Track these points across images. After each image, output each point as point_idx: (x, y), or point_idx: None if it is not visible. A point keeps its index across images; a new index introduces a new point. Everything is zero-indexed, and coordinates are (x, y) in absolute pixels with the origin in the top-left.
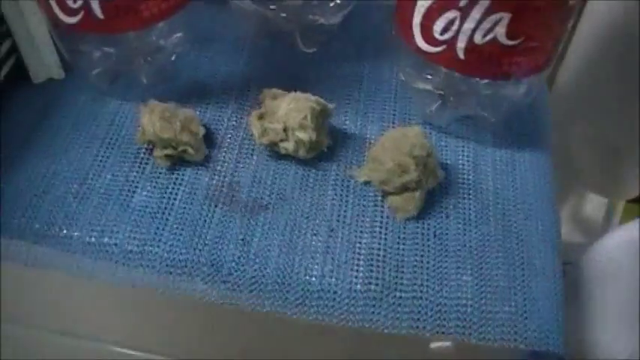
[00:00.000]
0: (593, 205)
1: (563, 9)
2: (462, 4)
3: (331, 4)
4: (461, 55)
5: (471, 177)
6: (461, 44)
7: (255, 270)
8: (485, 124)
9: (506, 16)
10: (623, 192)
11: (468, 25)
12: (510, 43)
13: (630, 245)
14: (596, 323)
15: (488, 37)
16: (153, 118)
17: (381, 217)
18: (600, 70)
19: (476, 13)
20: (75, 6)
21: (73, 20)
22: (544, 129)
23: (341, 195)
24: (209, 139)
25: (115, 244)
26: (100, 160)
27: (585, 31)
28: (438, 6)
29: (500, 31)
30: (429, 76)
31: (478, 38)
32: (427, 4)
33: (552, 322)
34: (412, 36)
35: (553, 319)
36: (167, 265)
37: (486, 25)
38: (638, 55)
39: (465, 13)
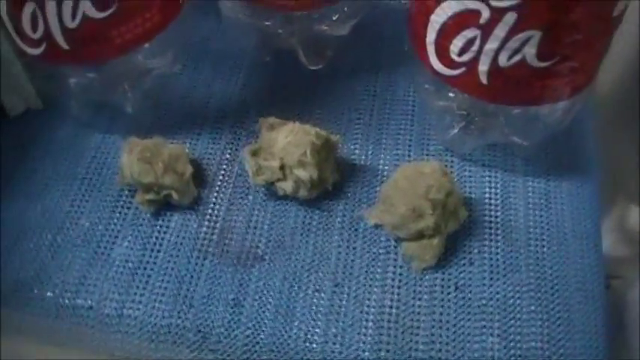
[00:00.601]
0: (639, 216)
1: (605, 22)
2: (482, 20)
3: (335, 17)
4: (483, 80)
5: (499, 214)
6: (483, 67)
7: (248, 336)
8: (516, 150)
9: (536, 34)
10: None
11: (491, 45)
12: (542, 64)
13: None
14: None
15: (515, 59)
16: (131, 160)
17: (394, 267)
18: None
19: (500, 32)
20: (35, 37)
21: (36, 52)
22: (585, 152)
23: (348, 241)
24: (199, 176)
25: (91, 307)
26: (79, 205)
27: (628, 29)
28: (455, 23)
29: (530, 52)
30: (451, 94)
31: (503, 60)
32: (442, 19)
33: None
34: (427, 55)
35: None
36: (148, 332)
37: (513, 44)
38: None
39: (486, 32)
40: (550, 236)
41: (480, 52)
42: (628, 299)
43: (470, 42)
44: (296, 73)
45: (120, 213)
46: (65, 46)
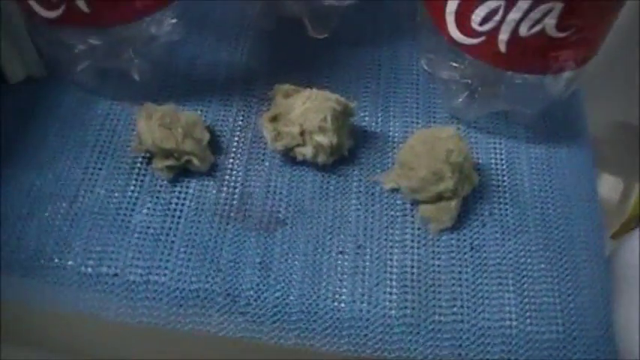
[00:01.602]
0: (609, 185)
1: None
2: None
3: None
4: (502, 49)
5: (505, 178)
6: (503, 36)
7: (277, 298)
8: (518, 118)
9: (558, 5)
10: None
11: (514, 15)
12: (560, 35)
13: None
14: (631, 321)
15: (535, 29)
16: (151, 125)
17: (412, 228)
18: (625, 50)
19: (523, 3)
20: None
21: (53, 14)
22: (580, 120)
23: (366, 205)
24: (214, 143)
25: (116, 275)
26: (92, 173)
27: None
28: None
29: (550, 23)
30: (455, 64)
31: (524, 30)
32: None
33: (602, 342)
34: (445, 25)
35: (603, 337)
36: (176, 297)
37: (535, 15)
38: None
39: (510, 2)
40: (554, 199)
41: (502, 21)
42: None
43: (493, 12)
44: (301, 42)
45: (136, 180)
46: (85, 9)
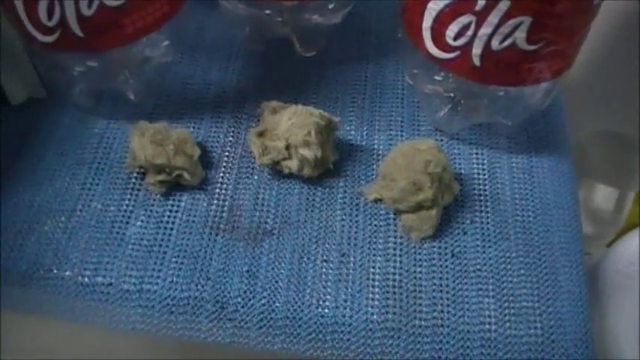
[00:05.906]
0: (604, 195)
1: (586, 11)
2: (477, 8)
3: (331, 5)
4: (476, 62)
5: (487, 187)
6: (476, 50)
7: (264, 305)
8: (500, 129)
9: (526, 20)
10: (634, 183)
11: (485, 30)
12: (530, 48)
13: None
14: (617, 326)
15: (506, 43)
16: (143, 142)
17: (395, 237)
18: (610, 61)
19: (493, 18)
20: (50, 24)
21: (49, 39)
22: (561, 130)
23: (350, 215)
24: (205, 159)
25: (110, 284)
26: (89, 188)
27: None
28: (451, 10)
29: (520, 36)
30: (438, 78)
31: (495, 44)
32: (439, 7)
33: (581, 344)
34: (422, 40)
35: (581, 340)
36: (167, 305)
37: (505, 29)
38: None
39: (481, 18)
40: (534, 207)
41: (474, 36)
42: (595, 273)
43: (465, 27)
44: (290, 60)
45: (131, 194)
46: (80, 34)
